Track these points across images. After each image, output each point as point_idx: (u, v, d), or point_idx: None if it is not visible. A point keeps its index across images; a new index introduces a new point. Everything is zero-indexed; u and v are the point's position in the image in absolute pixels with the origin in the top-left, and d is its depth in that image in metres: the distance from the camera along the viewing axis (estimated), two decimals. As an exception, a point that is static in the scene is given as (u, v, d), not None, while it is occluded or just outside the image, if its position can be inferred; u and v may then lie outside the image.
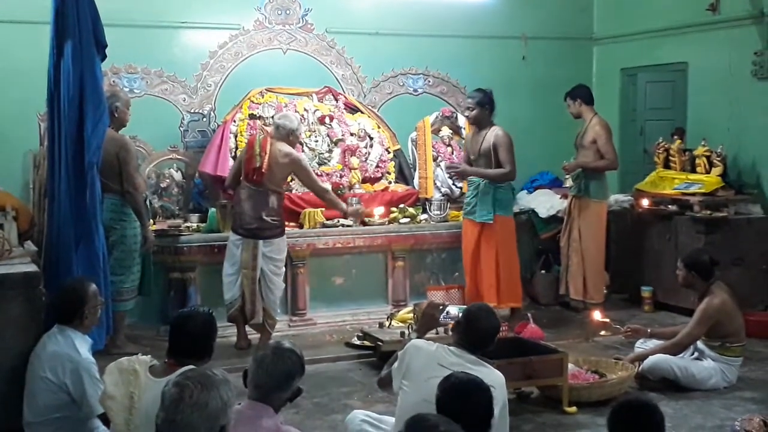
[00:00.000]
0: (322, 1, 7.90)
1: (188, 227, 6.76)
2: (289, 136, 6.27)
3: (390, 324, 6.31)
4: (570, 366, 5.10)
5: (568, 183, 7.30)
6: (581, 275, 7.23)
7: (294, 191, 7.07)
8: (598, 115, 7.26)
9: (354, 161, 7.41)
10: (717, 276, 5.55)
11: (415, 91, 8.29)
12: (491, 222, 6.63)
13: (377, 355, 5.94)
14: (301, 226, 6.93)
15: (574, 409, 4.93)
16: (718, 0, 7.63)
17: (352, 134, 7.51)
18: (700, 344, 5.45)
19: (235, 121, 7.15)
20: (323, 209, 6.99)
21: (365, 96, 8.02)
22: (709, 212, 7.04)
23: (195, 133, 7.38)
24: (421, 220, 7.32)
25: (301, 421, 4.76)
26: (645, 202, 7.56)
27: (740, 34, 7.50)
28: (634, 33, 8.54)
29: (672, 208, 7.33)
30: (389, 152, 7.65)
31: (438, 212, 7.37)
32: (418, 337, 4.05)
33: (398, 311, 6.70)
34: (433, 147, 7.67)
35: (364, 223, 7.12)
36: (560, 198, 7.80)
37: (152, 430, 2.41)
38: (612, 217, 7.66)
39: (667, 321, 6.95)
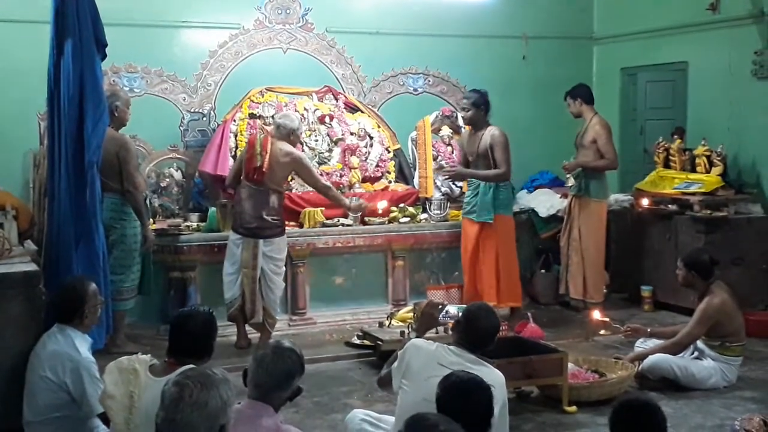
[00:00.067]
0: (322, 0, 7.90)
1: (188, 226, 6.76)
2: (290, 135, 6.28)
3: (390, 323, 6.31)
4: (570, 365, 5.10)
5: (570, 182, 7.30)
6: (581, 275, 7.24)
7: (294, 191, 7.07)
8: (599, 114, 7.27)
9: (354, 161, 7.41)
10: (717, 275, 5.55)
11: (415, 90, 8.29)
12: (491, 222, 6.63)
13: (377, 355, 5.94)
14: (301, 226, 6.94)
15: (574, 408, 4.94)
16: (718, -1, 7.66)
17: (352, 134, 7.51)
18: (700, 344, 5.45)
19: (235, 121, 7.15)
20: (323, 208, 6.99)
21: (365, 95, 8.02)
22: (709, 212, 7.04)
23: (195, 133, 7.39)
24: (421, 220, 7.32)
25: (301, 420, 4.76)
26: (645, 202, 7.56)
27: (740, 33, 7.51)
28: (634, 32, 8.54)
29: (672, 207, 7.33)
30: (389, 152, 7.66)
31: (438, 212, 7.37)
32: (417, 337, 4.05)
33: (398, 311, 6.70)
34: (433, 146, 7.67)
35: (364, 222, 7.12)
36: (560, 197, 7.80)
37: (152, 429, 2.41)
38: (612, 216, 7.67)
39: (667, 320, 6.96)
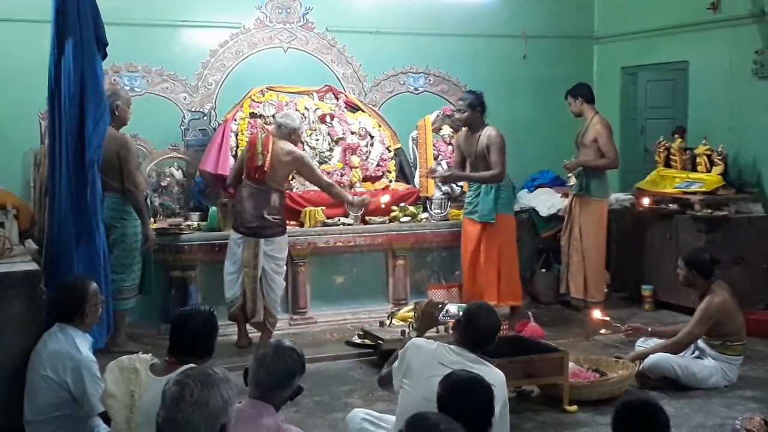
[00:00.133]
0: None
1: (189, 226, 6.76)
2: (291, 134, 6.28)
3: (390, 322, 6.31)
4: (570, 365, 5.10)
5: (571, 182, 7.30)
6: (582, 274, 7.25)
7: (295, 190, 7.07)
8: (599, 113, 7.27)
9: (355, 160, 7.41)
10: (717, 275, 5.55)
11: (416, 89, 8.29)
12: (494, 222, 6.63)
13: (378, 354, 5.95)
14: (301, 225, 6.94)
15: (574, 407, 4.94)
16: (718, -1, 7.66)
17: (352, 133, 7.51)
18: (700, 343, 5.45)
19: (235, 120, 7.15)
20: (324, 208, 7.00)
21: (366, 95, 8.02)
22: (709, 211, 7.04)
23: (196, 132, 7.39)
24: (421, 219, 7.32)
25: (301, 419, 4.77)
26: (646, 201, 7.56)
27: (741, 32, 7.51)
28: (634, 32, 8.54)
29: (673, 206, 7.34)
30: (390, 151, 7.66)
31: (438, 211, 7.37)
32: (418, 336, 4.05)
33: (399, 310, 6.71)
34: (433, 146, 7.67)
35: (365, 222, 7.12)
36: (561, 197, 7.80)
37: (153, 428, 2.41)
38: (613, 215, 7.67)
39: (668, 320, 6.95)
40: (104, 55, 5.30)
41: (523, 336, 5.85)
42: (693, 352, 5.49)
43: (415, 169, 7.71)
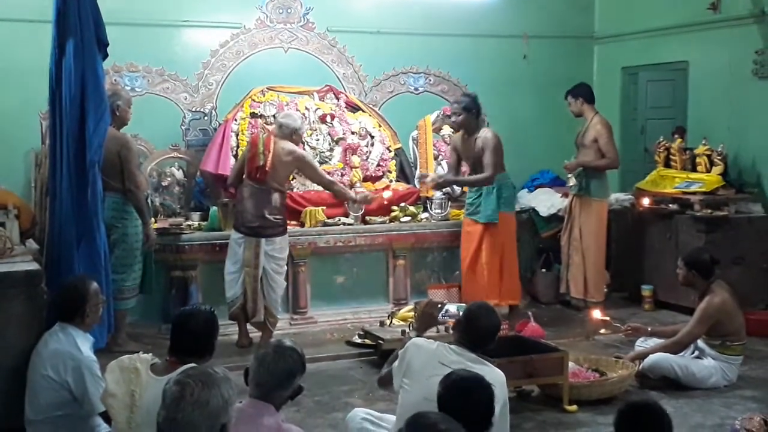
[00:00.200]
0: (323, 0, 7.91)
1: (190, 225, 6.77)
2: (293, 135, 6.29)
3: (391, 322, 6.32)
4: (570, 364, 5.11)
5: (571, 182, 7.31)
6: (582, 274, 7.26)
7: (295, 190, 7.08)
8: (599, 113, 7.28)
9: (355, 160, 7.42)
10: (717, 275, 5.56)
11: (416, 89, 8.30)
12: (497, 221, 6.64)
13: (378, 354, 5.95)
14: (302, 225, 6.94)
15: (574, 407, 4.94)
16: (718, -1, 7.66)
17: (353, 133, 7.52)
18: (700, 343, 5.46)
19: (236, 120, 7.16)
20: (324, 208, 7.00)
21: (366, 95, 8.03)
22: (709, 211, 7.04)
23: (196, 132, 7.40)
24: (422, 219, 7.33)
25: (302, 419, 4.78)
26: (646, 201, 7.56)
27: (741, 33, 7.51)
28: (635, 32, 8.55)
29: (672, 206, 7.34)
30: (390, 151, 7.66)
31: (439, 211, 7.37)
32: (417, 336, 4.06)
33: (399, 310, 6.72)
34: (434, 146, 7.68)
35: (365, 222, 7.13)
36: (561, 196, 7.81)
37: (153, 428, 2.41)
38: (613, 215, 7.68)
39: (668, 320, 6.96)
40: (105, 56, 5.30)
41: (523, 336, 5.86)
42: (693, 352, 5.50)
43: (416, 169, 7.72)
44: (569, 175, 7.33)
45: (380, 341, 5.96)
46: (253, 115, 7.22)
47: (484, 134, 6.68)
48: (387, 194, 7.17)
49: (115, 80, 7.04)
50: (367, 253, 7.14)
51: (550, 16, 8.77)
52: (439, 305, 4.73)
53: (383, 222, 7.16)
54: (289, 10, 7.79)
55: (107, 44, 5.27)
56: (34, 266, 4.62)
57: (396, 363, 3.79)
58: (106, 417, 3.77)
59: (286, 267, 6.37)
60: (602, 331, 6.52)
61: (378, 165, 7.55)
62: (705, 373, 5.35)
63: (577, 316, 7.17)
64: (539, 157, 8.36)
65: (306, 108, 7.40)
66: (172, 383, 2.41)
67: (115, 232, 5.91)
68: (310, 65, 7.84)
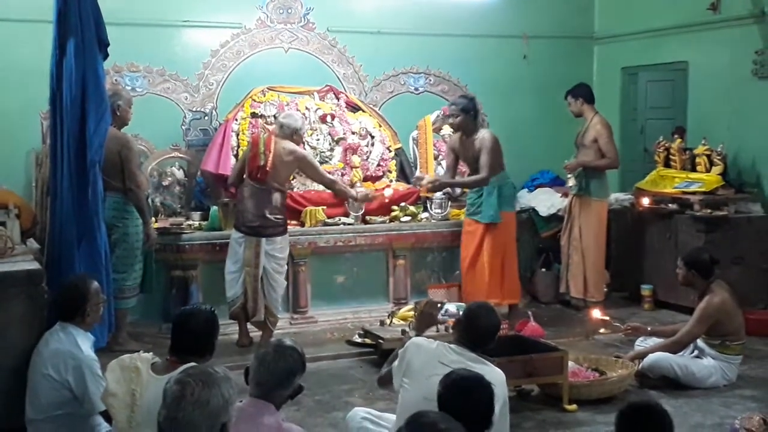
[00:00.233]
0: (324, 0, 7.91)
1: (190, 225, 6.78)
2: (293, 135, 6.30)
3: (391, 322, 6.32)
4: (570, 364, 5.11)
5: (570, 182, 7.31)
6: (582, 273, 7.26)
7: (296, 189, 7.09)
8: (599, 114, 7.29)
9: (355, 160, 7.42)
10: (717, 274, 5.56)
11: (416, 89, 8.30)
12: (500, 221, 6.65)
13: (378, 353, 5.95)
14: (302, 225, 6.95)
15: (574, 406, 4.95)
16: (718, -1, 7.66)
17: (353, 133, 7.52)
18: (700, 342, 5.46)
19: (236, 120, 7.17)
20: (325, 207, 7.01)
21: (366, 95, 8.04)
22: (709, 211, 7.05)
23: (197, 132, 7.41)
24: (422, 219, 7.34)
25: (302, 418, 4.78)
26: (645, 201, 7.56)
27: (741, 33, 7.52)
28: (634, 32, 8.55)
29: (672, 206, 7.34)
30: (390, 151, 7.67)
31: (439, 211, 7.38)
32: (417, 335, 4.06)
33: (399, 309, 6.71)
34: (434, 146, 7.69)
35: (365, 222, 7.13)
36: (561, 196, 7.81)
37: (154, 427, 2.41)
38: (612, 215, 7.68)
39: (667, 319, 6.96)
40: (106, 55, 5.30)
41: (523, 335, 5.86)
42: (692, 352, 5.50)
43: (416, 168, 7.72)
44: (568, 176, 7.34)
45: (380, 341, 5.96)
46: (254, 115, 7.23)
47: (482, 135, 6.69)
48: (388, 192, 7.18)
49: (115, 80, 7.04)
50: (368, 253, 7.14)
51: (550, 16, 8.77)
52: (439, 305, 4.74)
53: (383, 222, 7.17)
54: (289, 11, 7.80)
55: (108, 44, 5.27)
56: (34, 266, 4.63)
57: (396, 362, 3.80)
58: (107, 416, 3.77)
59: (286, 266, 6.38)
60: (602, 330, 6.52)
61: (378, 165, 7.56)
62: (704, 373, 5.35)
63: (577, 316, 7.17)
64: (539, 157, 8.37)
65: (306, 108, 7.41)
66: (172, 382, 2.42)
67: (116, 231, 5.92)
68: (310, 65, 7.85)
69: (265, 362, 3.07)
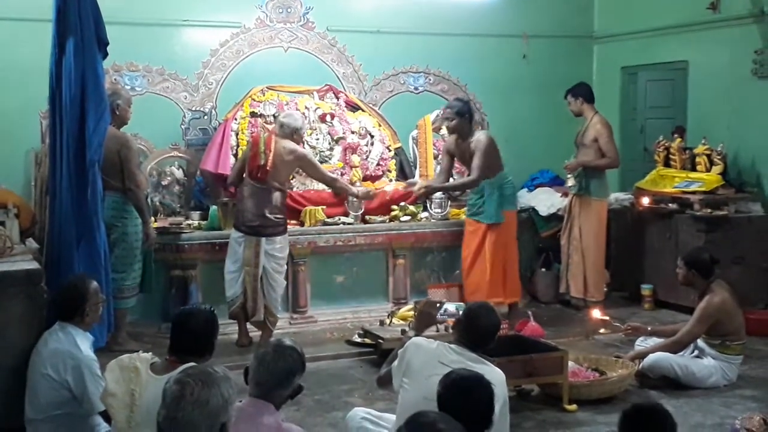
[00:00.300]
0: (323, -1, 7.93)
1: (189, 225, 6.77)
2: (294, 134, 6.29)
3: (391, 322, 6.32)
4: (570, 364, 5.11)
5: (570, 182, 7.31)
6: (582, 273, 7.26)
7: (295, 189, 7.08)
8: (599, 113, 7.29)
9: (355, 159, 7.42)
10: (717, 274, 5.55)
11: (416, 89, 8.30)
12: (503, 221, 6.64)
13: (378, 353, 5.95)
14: (302, 224, 6.94)
15: (574, 406, 4.94)
16: (718, -1, 7.66)
17: (353, 132, 7.52)
18: (700, 342, 5.46)
19: (236, 119, 7.16)
20: (324, 207, 7.01)
21: (366, 94, 8.03)
22: (709, 210, 7.05)
23: (196, 131, 7.41)
24: (421, 218, 7.33)
25: (302, 418, 4.77)
26: (645, 201, 7.56)
27: (741, 32, 7.52)
28: (634, 31, 8.55)
29: (672, 206, 7.34)
30: (390, 150, 7.66)
31: (439, 210, 7.37)
32: (416, 335, 4.06)
33: (399, 309, 6.71)
34: (434, 145, 7.68)
35: (365, 221, 7.13)
36: (561, 196, 7.81)
37: (153, 427, 2.41)
38: (612, 215, 7.68)
39: (668, 319, 6.96)
40: (105, 55, 5.29)
41: (522, 335, 5.86)
42: (692, 352, 5.50)
43: (415, 168, 7.73)
44: (568, 176, 7.34)
45: (380, 340, 5.96)
46: (253, 115, 7.22)
47: (477, 137, 6.69)
48: (389, 188, 7.17)
49: (115, 79, 7.04)
50: (367, 253, 7.14)
51: (549, 15, 8.76)
52: (438, 304, 4.73)
53: (383, 221, 7.16)
54: (289, 10, 7.79)
55: (107, 43, 5.27)
56: (34, 265, 4.62)
57: (395, 362, 3.79)
58: (106, 416, 3.76)
59: (286, 266, 6.37)
60: (602, 330, 6.51)
61: (378, 164, 7.56)
62: (705, 373, 5.34)
63: (577, 316, 7.17)
64: (539, 157, 8.36)
65: (306, 107, 7.40)
66: (172, 382, 2.41)
67: (115, 231, 5.91)
68: (309, 65, 7.84)
69: (265, 362, 3.06)
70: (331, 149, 7.43)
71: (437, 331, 5.66)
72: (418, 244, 7.25)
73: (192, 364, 3.11)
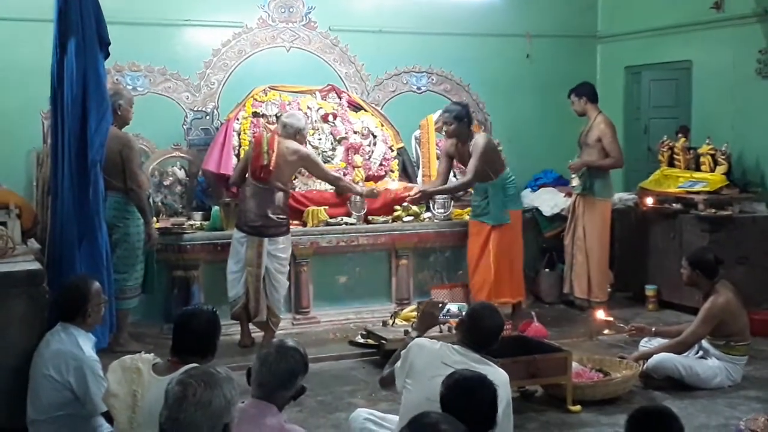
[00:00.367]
0: (326, -2, 7.91)
1: (191, 225, 6.76)
2: (296, 135, 6.29)
3: (393, 322, 6.31)
4: (574, 365, 5.09)
5: (575, 182, 7.29)
6: (585, 274, 7.24)
7: (297, 189, 7.07)
8: (603, 113, 7.27)
9: (357, 159, 7.40)
10: (721, 275, 5.53)
11: (419, 89, 8.28)
12: (509, 221, 6.63)
13: (381, 354, 5.93)
14: (304, 225, 6.93)
15: (578, 407, 4.92)
16: (722, -2, 7.64)
17: (355, 132, 7.50)
18: (704, 343, 5.44)
19: (238, 119, 7.15)
20: (327, 207, 6.99)
21: (369, 94, 8.02)
22: (713, 211, 7.02)
23: (198, 131, 7.39)
24: (424, 219, 7.31)
25: (304, 419, 4.76)
26: (649, 201, 7.54)
27: (745, 32, 7.49)
28: (638, 31, 8.53)
29: (676, 206, 7.31)
30: (393, 150, 7.65)
31: (441, 210, 7.35)
32: (418, 336, 4.04)
33: (402, 309, 6.71)
34: (436, 145, 7.66)
35: (368, 222, 7.11)
36: (564, 196, 7.80)
37: (155, 428, 2.40)
38: (616, 215, 7.66)
39: (672, 320, 6.94)
40: (107, 55, 5.29)
41: (526, 336, 5.84)
42: (697, 352, 5.48)
43: (418, 168, 7.71)
44: (573, 175, 7.32)
45: (383, 341, 5.94)
46: (255, 115, 7.21)
47: (475, 140, 6.67)
48: (393, 186, 7.17)
49: (116, 79, 7.03)
50: (370, 253, 7.12)
51: (553, 15, 8.75)
52: (440, 305, 4.72)
53: (386, 222, 7.15)
54: (291, 9, 7.78)
55: (109, 43, 5.26)
56: (35, 266, 4.61)
57: (398, 363, 3.78)
58: (108, 417, 3.76)
59: (288, 267, 6.36)
60: (606, 331, 6.50)
61: (380, 164, 7.54)
62: (709, 374, 5.32)
63: (581, 316, 7.15)
64: (542, 157, 8.35)
65: (308, 107, 7.39)
66: (174, 383, 2.41)
67: (117, 231, 5.90)
68: (312, 64, 7.83)
69: (267, 363, 3.05)
70: (334, 149, 7.42)
71: (440, 331, 5.64)
72: (421, 245, 7.23)
73: (194, 365, 3.12)
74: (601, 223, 7.23)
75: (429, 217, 7.35)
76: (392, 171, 7.61)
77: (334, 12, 7.91)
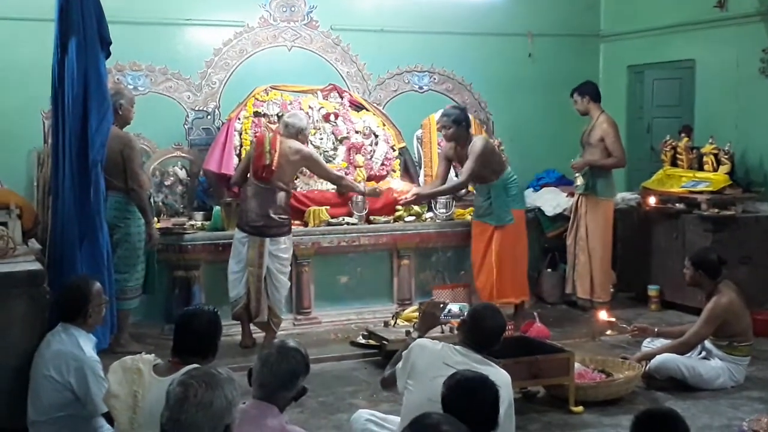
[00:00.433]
0: (327, -2, 7.90)
1: (193, 225, 6.75)
2: (298, 134, 6.28)
3: (395, 323, 6.30)
4: (576, 365, 5.07)
5: (578, 182, 7.27)
6: (588, 274, 7.23)
7: (299, 189, 7.05)
8: (605, 112, 7.26)
9: (359, 159, 7.39)
10: (724, 275, 5.51)
11: (421, 88, 8.26)
12: (513, 221, 6.61)
13: (382, 354, 5.92)
14: (306, 225, 6.92)
15: (580, 408, 4.91)
16: (725, -3, 7.62)
17: (357, 132, 7.49)
18: (707, 343, 5.42)
19: (239, 119, 7.14)
20: (328, 207, 6.98)
21: (370, 93, 8.00)
22: (716, 210, 7.01)
23: (199, 131, 7.37)
24: (426, 219, 7.30)
25: (306, 420, 4.75)
26: (652, 200, 7.52)
27: (748, 31, 7.47)
28: (641, 30, 8.51)
29: (679, 206, 7.30)
30: (394, 150, 7.63)
31: (443, 211, 7.34)
32: (419, 336, 4.03)
33: (403, 310, 6.70)
34: (438, 145, 7.64)
35: (369, 222, 7.10)
36: (566, 196, 7.78)
37: (156, 429, 2.40)
38: (619, 215, 7.65)
39: (674, 320, 6.93)
40: (108, 54, 5.28)
41: (528, 336, 5.83)
42: (700, 353, 5.46)
43: (420, 168, 7.70)
44: (576, 175, 7.30)
45: (384, 342, 5.93)
46: (257, 114, 7.20)
47: (473, 142, 6.65)
48: (395, 184, 7.18)
49: (117, 79, 7.03)
50: (371, 253, 7.11)
51: (555, 14, 8.72)
52: (442, 305, 4.70)
53: (387, 222, 7.14)
54: (292, 9, 7.77)
55: (110, 42, 5.25)
56: (36, 266, 4.60)
57: (400, 364, 3.77)
58: (109, 418, 3.76)
59: (290, 267, 6.35)
60: (608, 331, 6.48)
61: (382, 164, 7.53)
62: (712, 374, 5.31)
63: (583, 317, 7.14)
64: (544, 156, 8.33)
65: (310, 107, 7.38)
66: (175, 384, 2.41)
67: (118, 231, 5.89)
68: (313, 64, 7.82)
69: (269, 363, 3.04)
70: (335, 149, 7.41)
71: (442, 332, 5.63)
72: (422, 245, 7.22)
73: (195, 365, 3.12)
74: (603, 222, 7.22)
75: (431, 217, 7.34)
76: (394, 171, 7.60)
77: (335, 11, 7.90)
